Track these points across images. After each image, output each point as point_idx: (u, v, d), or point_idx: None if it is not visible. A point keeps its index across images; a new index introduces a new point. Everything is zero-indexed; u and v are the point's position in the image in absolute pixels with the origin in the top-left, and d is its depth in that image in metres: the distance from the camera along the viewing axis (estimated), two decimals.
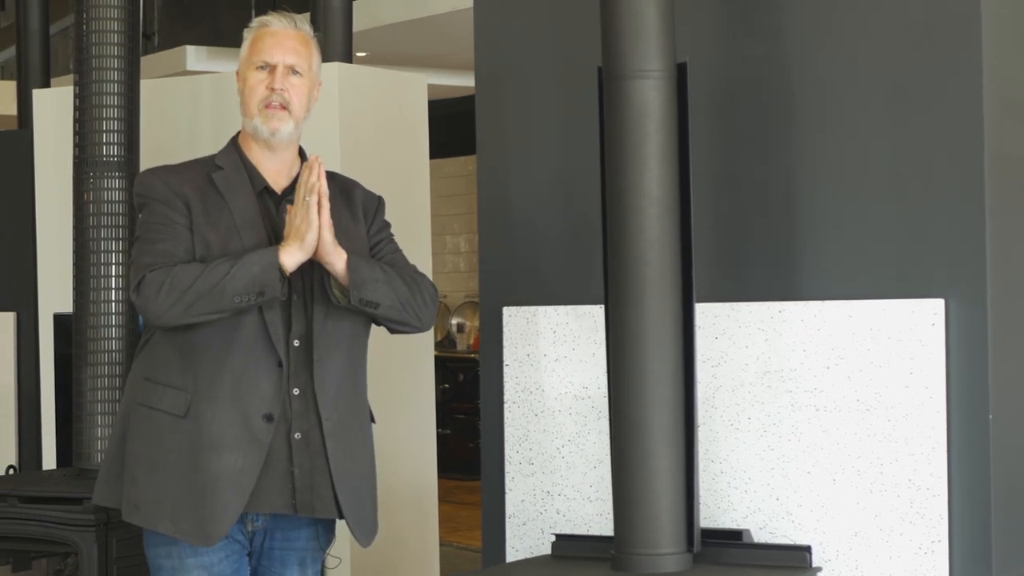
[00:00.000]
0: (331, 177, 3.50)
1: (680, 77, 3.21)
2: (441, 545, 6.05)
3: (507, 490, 3.67)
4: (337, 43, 6.08)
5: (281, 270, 3.25)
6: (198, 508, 3.26)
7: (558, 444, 3.60)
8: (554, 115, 3.72)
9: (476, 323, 12.77)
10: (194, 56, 11.02)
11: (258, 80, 3.39)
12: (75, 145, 4.87)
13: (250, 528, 3.38)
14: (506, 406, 3.69)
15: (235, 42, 3.54)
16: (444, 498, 6.49)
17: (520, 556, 3.63)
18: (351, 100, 5.57)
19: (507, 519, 3.67)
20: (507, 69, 3.81)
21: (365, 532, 3.43)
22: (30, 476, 5.14)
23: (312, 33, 3.49)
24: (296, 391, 3.33)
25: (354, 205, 3.51)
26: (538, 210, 3.73)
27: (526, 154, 3.76)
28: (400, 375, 5.51)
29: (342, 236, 3.38)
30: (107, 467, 3.42)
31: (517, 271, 3.76)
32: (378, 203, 3.57)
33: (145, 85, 5.04)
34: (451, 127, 10.47)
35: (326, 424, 3.34)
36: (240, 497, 3.27)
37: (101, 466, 3.44)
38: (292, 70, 3.40)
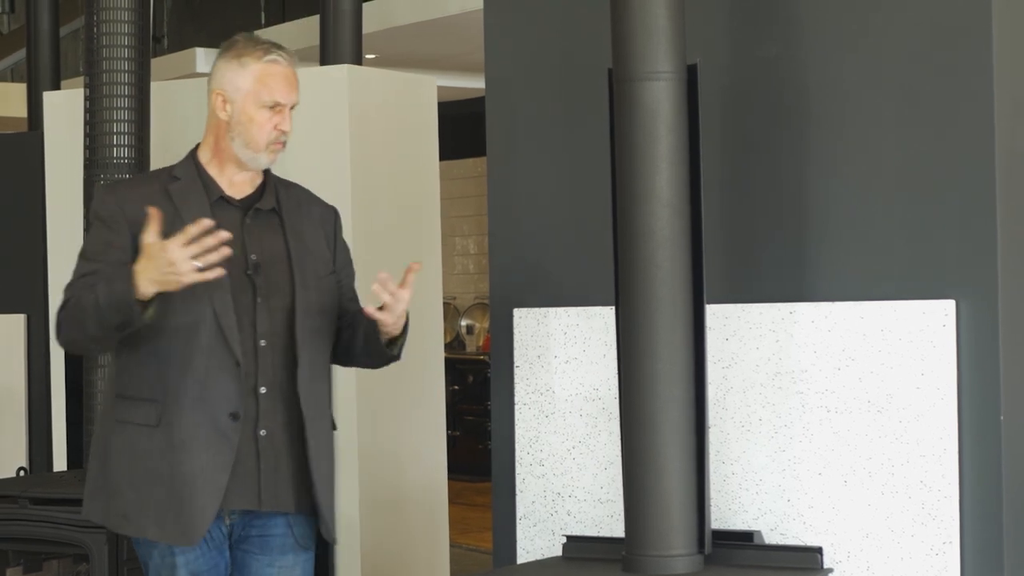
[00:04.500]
0: (287, 187, 3.61)
1: (690, 79, 3.21)
2: (451, 547, 6.05)
3: (518, 491, 3.67)
4: (347, 45, 6.08)
5: (142, 299, 3.26)
6: (178, 511, 3.37)
7: (569, 445, 3.60)
8: (564, 117, 3.72)
9: (485, 325, 12.76)
10: (204, 58, 11.02)
11: (266, 119, 3.47)
12: (85, 147, 4.88)
13: (228, 522, 3.48)
14: (517, 407, 3.68)
15: None
16: (454, 500, 6.49)
17: (531, 557, 3.63)
18: (361, 102, 5.57)
19: (518, 520, 3.67)
20: (517, 71, 3.81)
21: (332, 528, 3.53)
22: (41, 478, 5.15)
23: None
24: (263, 389, 3.42)
25: (314, 220, 3.59)
26: (548, 212, 3.73)
27: (536, 156, 3.76)
28: (410, 377, 5.50)
29: (308, 253, 3.51)
30: (91, 483, 3.51)
31: (527, 273, 3.75)
32: (335, 219, 3.66)
33: (155, 87, 5.04)
34: (461, 129, 10.48)
35: (308, 422, 3.44)
36: (216, 496, 3.37)
37: (86, 483, 3.53)
38: (290, 107, 3.51)
